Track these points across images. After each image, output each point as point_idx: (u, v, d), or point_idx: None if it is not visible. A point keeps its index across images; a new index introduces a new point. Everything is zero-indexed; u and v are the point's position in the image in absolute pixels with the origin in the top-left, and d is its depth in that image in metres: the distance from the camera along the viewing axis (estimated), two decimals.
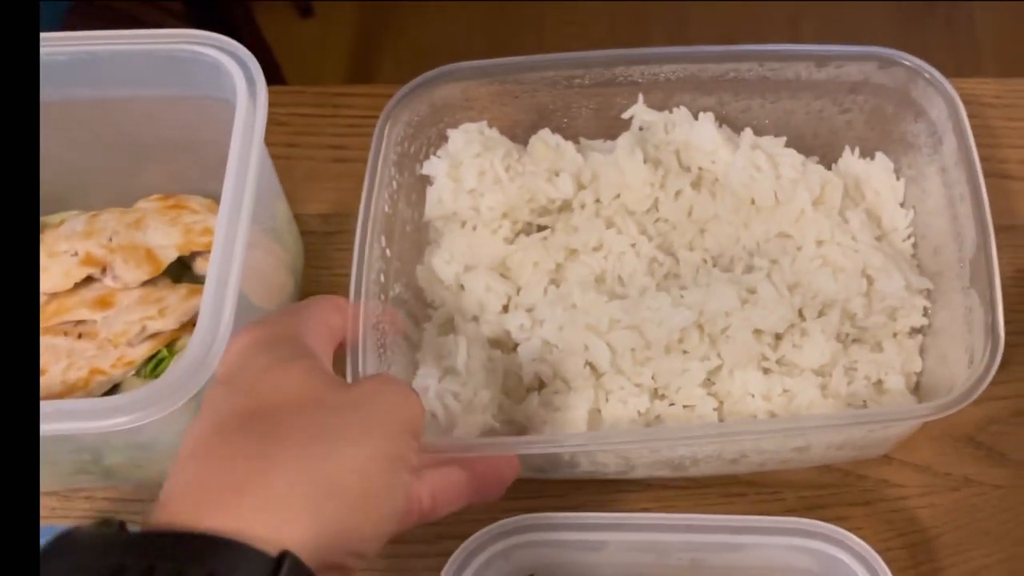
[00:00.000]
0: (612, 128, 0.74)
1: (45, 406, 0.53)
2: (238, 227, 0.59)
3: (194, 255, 0.68)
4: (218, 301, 0.56)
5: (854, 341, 0.67)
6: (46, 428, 0.53)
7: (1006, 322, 0.59)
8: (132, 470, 0.65)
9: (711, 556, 0.61)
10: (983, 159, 0.66)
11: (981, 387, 0.58)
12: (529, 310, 0.67)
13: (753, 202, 0.70)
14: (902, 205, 0.72)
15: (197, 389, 0.55)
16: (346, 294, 0.64)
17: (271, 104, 0.64)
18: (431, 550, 0.68)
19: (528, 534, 0.60)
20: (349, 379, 0.59)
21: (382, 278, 0.65)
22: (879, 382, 0.66)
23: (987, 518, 0.69)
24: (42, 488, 0.65)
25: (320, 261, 0.78)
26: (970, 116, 0.67)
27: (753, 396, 0.63)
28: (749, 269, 0.67)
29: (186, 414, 0.61)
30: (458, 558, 0.60)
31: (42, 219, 0.71)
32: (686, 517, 0.61)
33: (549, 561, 0.62)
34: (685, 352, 0.64)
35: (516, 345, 0.66)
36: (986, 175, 0.65)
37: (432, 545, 0.68)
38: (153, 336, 0.64)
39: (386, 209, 0.67)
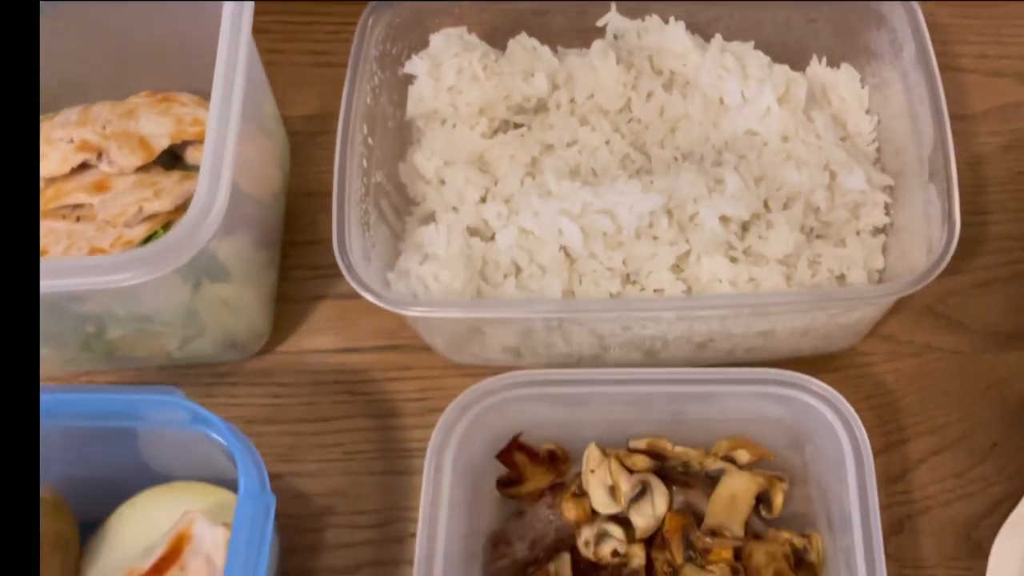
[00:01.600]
0: (587, 37, 0.77)
1: (53, 263, 0.56)
2: (231, 105, 0.61)
3: (185, 145, 0.71)
4: (215, 166, 0.59)
5: (818, 236, 0.71)
6: (53, 284, 0.55)
7: (962, 203, 0.64)
8: (134, 346, 0.68)
9: (690, 408, 0.65)
10: (939, 55, 0.70)
11: (937, 270, 0.62)
12: (506, 200, 0.70)
13: (722, 101, 0.73)
14: (867, 112, 0.75)
15: (194, 251, 0.58)
16: (331, 189, 0.67)
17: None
18: (421, 422, 0.71)
19: (517, 390, 0.63)
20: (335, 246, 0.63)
21: (364, 163, 0.69)
22: (842, 276, 0.69)
23: (947, 380, 0.73)
24: (45, 372, 0.67)
25: (305, 159, 0.81)
26: (926, 15, 0.71)
27: (720, 282, 0.67)
28: (718, 164, 0.70)
29: (184, 289, 0.64)
30: (450, 415, 0.63)
31: None
32: (667, 371, 0.65)
33: (537, 419, 0.65)
34: (655, 237, 0.67)
35: (493, 235, 0.69)
36: (941, 70, 0.69)
37: (422, 417, 0.71)
38: (149, 218, 0.67)
39: (368, 101, 0.70)
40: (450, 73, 0.71)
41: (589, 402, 0.64)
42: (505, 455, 0.66)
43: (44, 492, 0.61)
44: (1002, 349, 0.74)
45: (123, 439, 0.62)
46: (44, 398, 0.58)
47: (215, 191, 0.59)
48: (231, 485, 0.63)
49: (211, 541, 0.60)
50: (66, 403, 0.58)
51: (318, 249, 0.78)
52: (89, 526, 0.64)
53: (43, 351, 0.67)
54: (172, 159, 0.72)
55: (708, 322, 0.64)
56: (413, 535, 0.68)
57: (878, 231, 0.72)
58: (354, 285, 0.62)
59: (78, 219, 0.67)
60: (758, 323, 0.65)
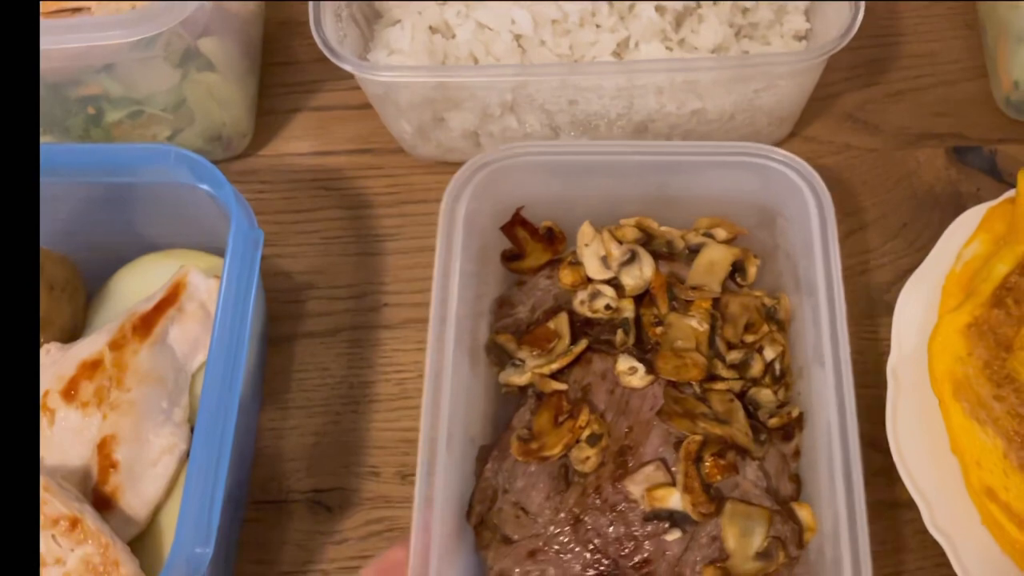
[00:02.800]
0: None
1: (53, 23, 0.63)
2: None
3: None
4: None
5: (746, 36, 0.78)
6: (55, 40, 0.62)
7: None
8: (128, 135, 0.75)
9: (673, 180, 0.71)
10: None
11: (850, 34, 0.70)
12: (465, 1, 0.77)
13: None
14: None
15: (174, 21, 0.66)
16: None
17: None
18: (391, 212, 0.79)
19: (516, 159, 0.68)
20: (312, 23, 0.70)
21: None
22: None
23: (864, 173, 0.82)
24: None
25: None
26: None
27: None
28: None
29: (174, 74, 0.71)
30: (461, 176, 0.68)
31: None
32: (656, 144, 0.72)
33: (537, 194, 0.71)
34: (597, 25, 0.75)
35: (454, 35, 0.77)
36: None
37: (392, 208, 0.80)
38: None
39: None
40: None
41: (588, 174, 0.70)
42: (508, 227, 0.72)
43: (50, 249, 0.68)
44: (912, 147, 0.82)
45: (120, 202, 0.69)
46: (47, 151, 0.65)
47: None
48: (221, 253, 0.71)
49: (205, 290, 0.67)
50: (68, 155, 0.65)
51: (294, 69, 0.86)
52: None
53: (46, 139, 0.74)
54: None
55: (646, 98, 0.72)
56: (385, 305, 0.76)
57: (800, 37, 0.80)
58: (330, 56, 0.69)
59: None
60: (690, 100, 0.73)
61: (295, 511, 0.70)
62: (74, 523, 0.59)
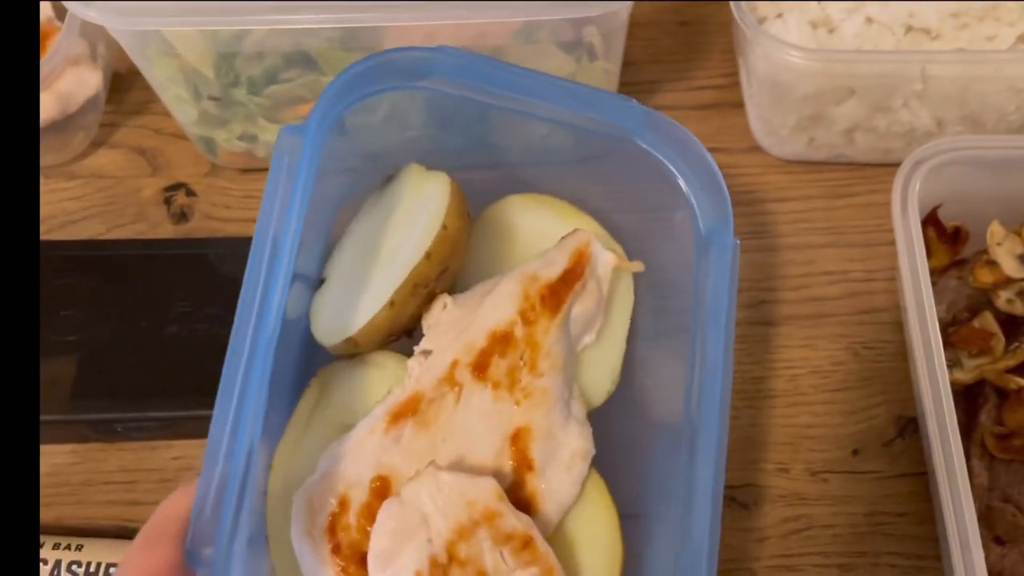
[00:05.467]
0: None
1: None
2: None
3: None
4: None
5: None
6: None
7: None
8: None
9: None
10: None
11: None
12: None
13: None
14: None
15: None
16: None
17: None
18: (749, 210, 0.78)
19: (952, 153, 0.66)
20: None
21: None
22: None
23: None
24: None
25: None
26: None
27: None
28: None
29: (570, 62, 0.71)
30: (901, 187, 0.65)
31: None
32: None
33: (947, 190, 0.68)
34: (996, 19, 0.74)
35: (832, 30, 0.75)
36: None
37: (750, 206, 0.78)
38: None
39: None
40: None
41: (995, 170, 0.67)
42: (922, 226, 0.68)
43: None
44: None
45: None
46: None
47: None
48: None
49: (603, 264, 0.60)
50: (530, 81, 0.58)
51: (630, 69, 0.85)
52: None
53: None
54: None
55: None
56: (763, 302, 0.74)
57: None
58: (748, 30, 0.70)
59: None
60: None
61: None
62: (526, 543, 0.52)
